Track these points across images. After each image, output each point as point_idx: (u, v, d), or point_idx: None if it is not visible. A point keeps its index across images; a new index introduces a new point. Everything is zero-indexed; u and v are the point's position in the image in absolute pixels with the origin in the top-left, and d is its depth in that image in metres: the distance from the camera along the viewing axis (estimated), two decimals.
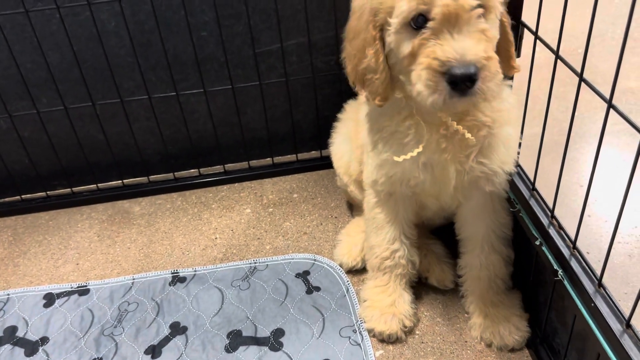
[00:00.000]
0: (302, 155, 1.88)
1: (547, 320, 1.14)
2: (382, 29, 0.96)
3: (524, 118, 1.17)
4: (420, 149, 1.03)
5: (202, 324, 1.35)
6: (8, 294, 1.49)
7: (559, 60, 0.98)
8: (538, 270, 1.16)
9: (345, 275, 1.43)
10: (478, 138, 1.03)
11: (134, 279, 1.50)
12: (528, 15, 1.13)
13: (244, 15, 1.60)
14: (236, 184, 1.83)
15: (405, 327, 1.27)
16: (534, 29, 1.06)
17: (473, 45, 0.85)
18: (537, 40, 1.05)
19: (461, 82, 0.84)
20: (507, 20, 1.00)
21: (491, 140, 1.06)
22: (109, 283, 1.50)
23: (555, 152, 1.35)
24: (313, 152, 1.90)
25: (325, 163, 1.78)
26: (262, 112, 1.78)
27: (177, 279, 1.48)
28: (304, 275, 1.45)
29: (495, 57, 0.89)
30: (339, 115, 1.54)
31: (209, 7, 1.58)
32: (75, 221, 1.75)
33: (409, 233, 1.29)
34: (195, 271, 1.50)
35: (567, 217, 1.08)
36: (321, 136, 1.77)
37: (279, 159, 1.88)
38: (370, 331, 1.29)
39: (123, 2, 1.52)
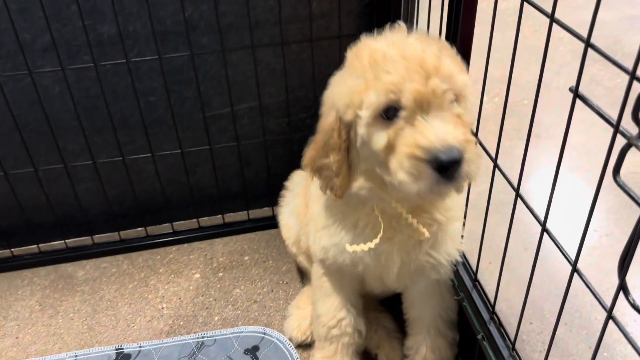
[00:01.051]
0: (254, 213, 1.87)
1: None
2: (349, 130, 0.94)
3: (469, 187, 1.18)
4: (377, 240, 1.03)
5: None
6: None
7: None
8: (481, 358, 1.19)
9: (295, 351, 1.42)
10: (430, 233, 1.05)
11: (76, 356, 1.45)
12: None
13: (194, 81, 1.59)
14: (185, 245, 1.80)
15: None
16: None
17: (452, 130, 0.84)
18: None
19: (449, 167, 0.82)
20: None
21: (440, 235, 1.08)
22: None
23: (499, 212, 1.37)
24: (265, 208, 1.89)
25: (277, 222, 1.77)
26: (213, 171, 1.76)
27: (121, 356, 1.44)
28: (252, 351, 1.43)
29: (473, 139, 0.88)
30: (287, 184, 1.54)
31: (157, 74, 1.55)
32: (15, 287, 1.68)
33: (355, 302, 1.30)
34: (140, 347, 1.46)
35: (511, 284, 1.09)
36: (273, 193, 1.76)
37: (230, 217, 1.86)
38: None
39: (67, 70, 1.48)
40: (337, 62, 1.64)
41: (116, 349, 1.46)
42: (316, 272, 1.29)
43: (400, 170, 0.85)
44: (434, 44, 0.90)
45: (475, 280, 1.15)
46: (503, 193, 1.10)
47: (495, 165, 0.99)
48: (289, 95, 1.66)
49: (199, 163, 1.75)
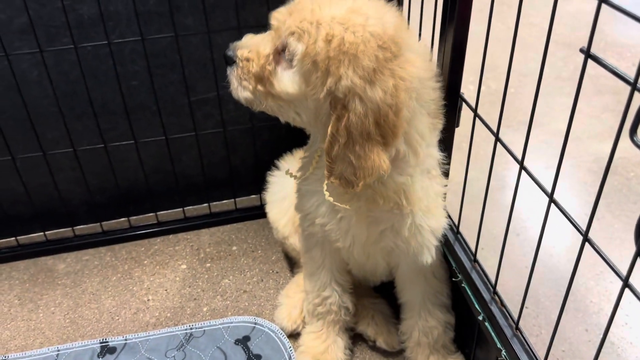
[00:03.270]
0: (241, 201, 1.82)
1: None
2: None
3: (467, 171, 1.15)
4: (327, 194, 0.99)
5: None
6: None
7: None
8: (481, 340, 1.16)
9: (288, 340, 1.38)
10: (387, 216, 1.03)
11: (58, 351, 1.39)
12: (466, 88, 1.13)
13: (178, 64, 1.53)
14: (170, 236, 1.74)
15: None
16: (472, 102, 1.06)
17: (249, 42, 0.98)
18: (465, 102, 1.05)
19: (227, 61, 1.00)
20: None
21: (403, 222, 1.03)
22: (32, 356, 1.38)
23: (491, 197, 1.36)
24: (253, 196, 1.84)
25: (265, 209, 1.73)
26: (198, 158, 1.70)
27: (106, 350, 1.38)
28: (243, 341, 1.39)
29: (259, 64, 0.95)
30: (271, 175, 1.51)
31: (139, 57, 1.49)
32: None
33: (341, 280, 1.29)
34: (125, 340, 1.40)
35: (504, 269, 1.07)
36: (260, 181, 1.71)
37: (216, 206, 1.81)
38: None
39: (45, 52, 1.42)
40: None
41: (101, 343, 1.40)
42: (302, 247, 1.29)
43: None
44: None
45: (474, 261, 1.12)
46: (494, 179, 1.08)
47: (497, 139, 0.96)
48: None
49: (184, 150, 1.69)
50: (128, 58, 1.50)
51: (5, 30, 1.38)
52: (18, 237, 1.70)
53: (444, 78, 1.07)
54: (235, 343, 1.38)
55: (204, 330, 1.42)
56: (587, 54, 0.70)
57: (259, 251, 1.67)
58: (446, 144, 1.16)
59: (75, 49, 1.42)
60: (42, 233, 1.71)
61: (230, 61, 1.00)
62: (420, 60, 0.90)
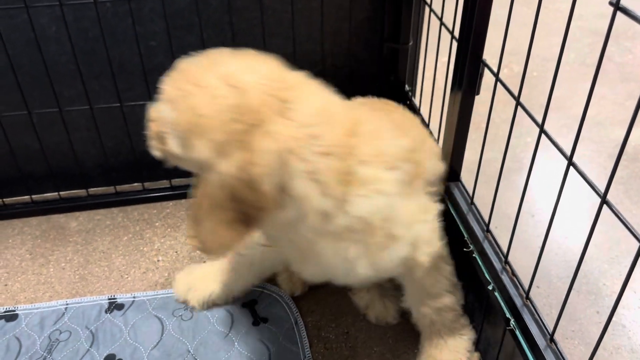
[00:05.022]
0: None
1: None
2: None
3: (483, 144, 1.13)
4: None
5: (140, 357, 1.27)
6: None
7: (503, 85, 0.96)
8: (489, 312, 1.14)
9: (295, 306, 1.38)
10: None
11: (67, 304, 1.40)
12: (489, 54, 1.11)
13: (197, 27, 1.52)
14: (183, 200, 1.74)
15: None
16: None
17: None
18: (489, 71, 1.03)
19: None
20: None
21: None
22: (40, 308, 1.40)
23: (507, 179, 1.34)
24: None
25: None
26: None
27: (114, 306, 1.39)
28: (250, 304, 1.39)
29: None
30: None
31: (159, 17, 1.49)
32: (5, 236, 1.62)
33: None
34: (134, 297, 1.41)
35: (517, 249, 1.06)
36: None
37: None
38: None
39: (65, 6, 1.42)
40: (347, 14, 1.59)
41: (109, 299, 1.41)
42: None
43: None
44: None
45: (487, 231, 1.10)
46: (511, 160, 1.06)
47: (518, 103, 0.94)
48: (296, 48, 1.60)
49: None
50: (147, 17, 1.49)
51: None
52: (32, 196, 1.71)
53: (467, 42, 1.04)
54: (242, 306, 1.38)
55: None
56: (617, 6, 0.67)
57: None
58: (464, 112, 1.14)
59: (95, 4, 1.42)
60: (56, 193, 1.72)
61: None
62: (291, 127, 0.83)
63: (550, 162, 1.48)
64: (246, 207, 0.82)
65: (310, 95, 0.88)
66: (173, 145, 0.87)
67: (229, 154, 0.80)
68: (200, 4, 1.48)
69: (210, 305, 1.37)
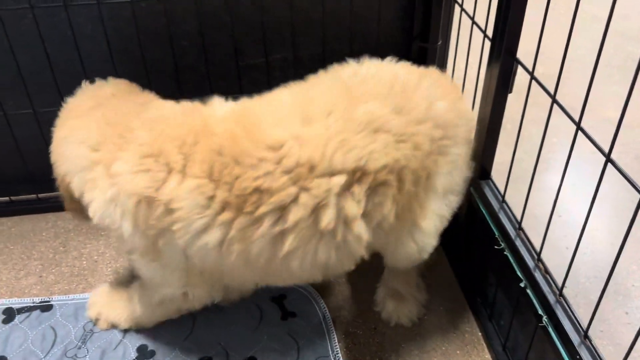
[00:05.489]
0: None
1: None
2: None
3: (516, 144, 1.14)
4: None
5: (171, 348, 1.30)
6: None
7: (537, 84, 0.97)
8: (519, 310, 1.15)
9: (323, 301, 1.39)
10: None
11: None
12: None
13: (228, 26, 1.55)
14: None
15: None
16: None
17: None
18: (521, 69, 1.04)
19: None
20: None
21: None
22: (74, 299, 1.43)
23: (536, 179, 1.35)
24: None
25: None
26: None
27: None
28: (279, 299, 1.41)
29: None
30: None
31: (192, 16, 1.51)
32: (39, 229, 1.66)
33: None
34: None
35: (544, 248, 1.07)
36: None
37: None
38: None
39: (102, 6, 1.45)
40: (376, 16, 1.60)
41: None
42: None
43: None
44: None
45: (519, 229, 1.11)
46: (539, 162, 1.08)
47: (554, 101, 0.95)
48: (325, 47, 1.62)
49: None
50: (180, 17, 1.52)
51: None
52: None
53: (501, 40, 1.05)
54: (271, 300, 1.40)
55: None
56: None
57: None
58: (496, 111, 1.15)
59: (131, 4, 1.45)
60: None
61: None
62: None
63: (577, 162, 1.49)
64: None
65: None
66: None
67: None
68: (231, 3, 1.51)
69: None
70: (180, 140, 1.01)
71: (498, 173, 1.27)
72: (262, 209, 0.95)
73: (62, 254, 1.58)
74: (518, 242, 1.09)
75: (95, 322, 1.36)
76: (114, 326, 1.35)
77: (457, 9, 1.45)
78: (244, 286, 1.32)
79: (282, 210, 0.95)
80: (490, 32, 1.11)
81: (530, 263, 1.05)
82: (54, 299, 1.44)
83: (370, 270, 1.46)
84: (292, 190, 0.94)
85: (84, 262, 1.55)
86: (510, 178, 1.19)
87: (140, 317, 1.31)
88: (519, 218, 1.13)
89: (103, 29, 1.48)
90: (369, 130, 0.97)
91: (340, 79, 1.11)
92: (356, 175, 0.95)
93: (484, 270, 1.26)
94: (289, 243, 0.96)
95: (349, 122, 0.98)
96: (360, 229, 0.98)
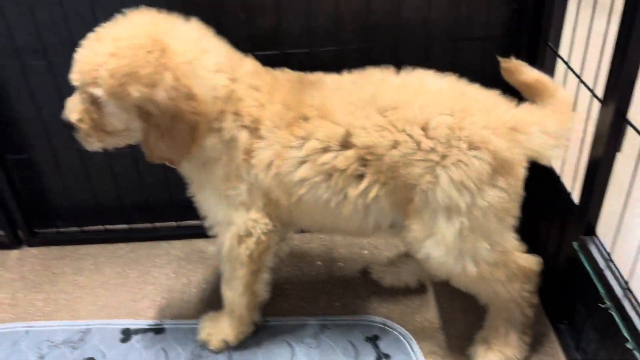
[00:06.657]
0: None
1: None
2: None
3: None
4: None
5: None
6: (89, 325, 1.57)
7: None
8: None
9: (417, 345, 1.42)
10: None
11: None
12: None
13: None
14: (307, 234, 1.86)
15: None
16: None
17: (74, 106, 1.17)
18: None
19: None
20: None
21: None
22: (184, 324, 1.55)
23: (633, 231, 1.30)
24: None
25: None
26: None
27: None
28: (373, 339, 1.45)
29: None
30: None
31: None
32: (154, 255, 1.82)
33: None
34: (265, 321, 1.52)
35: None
36: None
37: None
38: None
39: None
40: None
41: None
42: None
43: None
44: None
45: (627, 289, 1.10)
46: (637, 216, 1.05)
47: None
48: None
49: None
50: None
51: None
52: (179, 222, 1.90)
53: (612, 101, 1.07)
54: (365, 340, 1.45)
55: (336, 323, 1.50)
56: None
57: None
58: (604, 169, 1.15)
59: None
60: (198, 221, 1.90)
61: (71, 127, 1.19)
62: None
63: None
64: (188, 118, 1.10)
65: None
66: (113, 121, 1.14)
67: (158, 82, 1.07)
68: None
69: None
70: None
71: (609, 227, 1.24)
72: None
73: (173, 280, 1.71)
74: (626, 303, 1.08)
75: (207, 342, 1.47)
76: (224, 342, 1.45)
77: (561, 65, 1.45)
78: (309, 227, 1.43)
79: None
80: (598, 90, 1.13)
81: (639, 323, 1.03)
82: (165, 322, 1.56)
83: (465, 317, 1.48)
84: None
85: (193, 289, 1.67)
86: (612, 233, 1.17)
87: (237, 313, 1.43)
88: (624, 275, 1.11)
89: None
90: None
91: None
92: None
93: (587, 326, 1.25)
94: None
95: None
96: None
